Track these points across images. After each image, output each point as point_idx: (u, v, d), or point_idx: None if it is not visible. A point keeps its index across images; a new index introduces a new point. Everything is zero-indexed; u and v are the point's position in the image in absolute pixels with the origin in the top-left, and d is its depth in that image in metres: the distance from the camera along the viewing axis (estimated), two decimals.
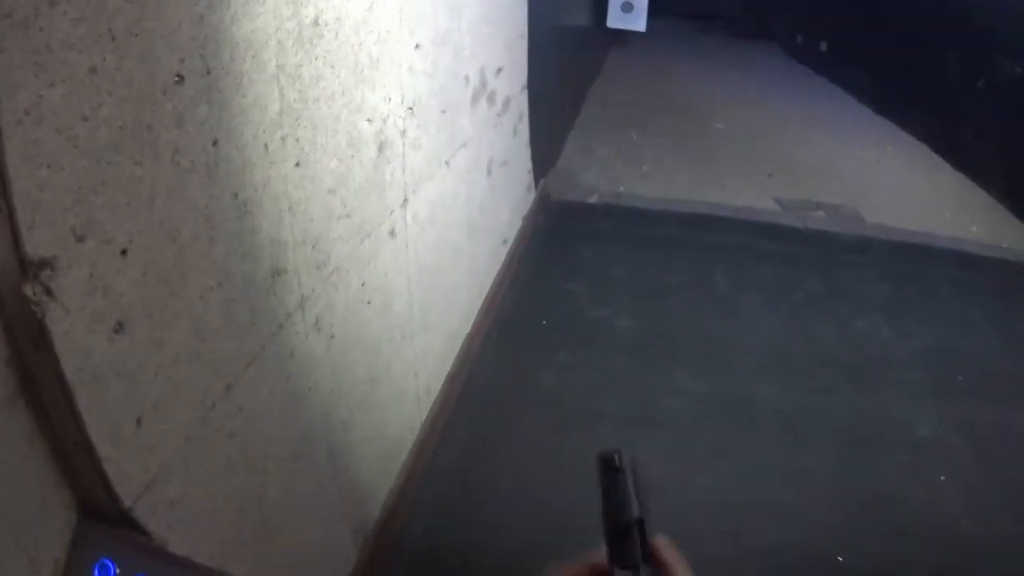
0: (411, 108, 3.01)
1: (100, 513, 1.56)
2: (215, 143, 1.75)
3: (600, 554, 1.04)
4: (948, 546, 3.59)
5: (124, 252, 1.49)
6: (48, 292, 1.33)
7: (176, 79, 1.58)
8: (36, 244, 1.29)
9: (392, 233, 2.95)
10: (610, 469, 1.08)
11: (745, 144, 8.58)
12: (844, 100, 11.53)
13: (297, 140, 2.13)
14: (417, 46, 3.04)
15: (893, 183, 7.98)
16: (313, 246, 2.30)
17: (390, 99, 2.77)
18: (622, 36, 11.61)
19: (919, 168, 8.58)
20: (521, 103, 5.31)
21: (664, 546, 1.03)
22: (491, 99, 4.44)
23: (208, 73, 1.69)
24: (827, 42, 13.10)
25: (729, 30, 16.07)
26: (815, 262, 6.10)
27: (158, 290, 1.61)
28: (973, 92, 8.33)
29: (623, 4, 10.71)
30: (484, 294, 4.76)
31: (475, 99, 4.08)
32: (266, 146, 1.97)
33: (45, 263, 1.31)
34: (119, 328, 1.50)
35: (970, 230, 6.97)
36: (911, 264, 6.30)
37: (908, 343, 5.21)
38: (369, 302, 2.79)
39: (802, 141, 9.10)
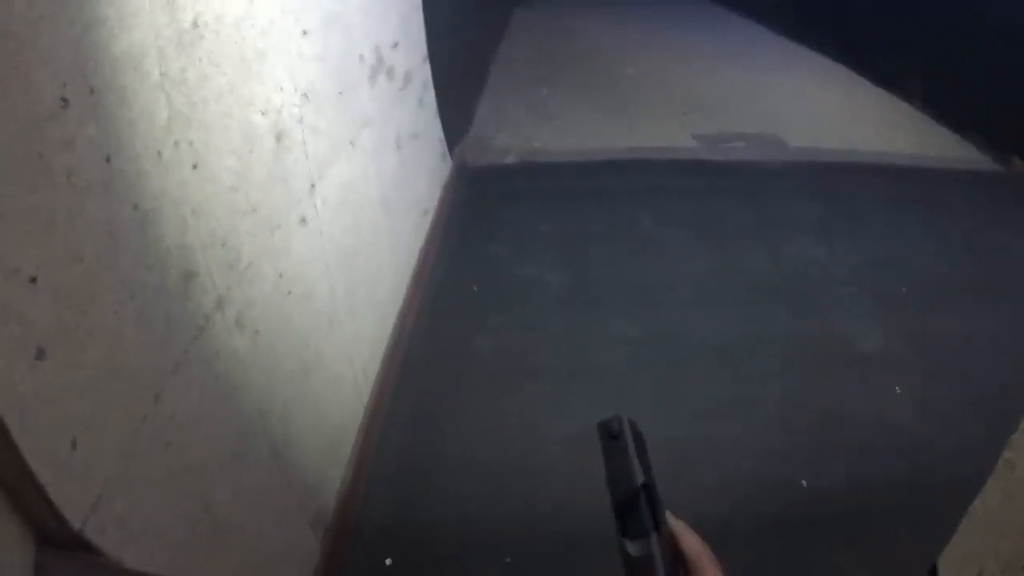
0: (305, 95, 3.01)
1: (54, 540, 1.58)
2: (108, 159, 1.74)
3: None
4: (907, 456, 3.67)
5: (33, 280, 1.49)
6: None
7: (61, 103, 1.58)
8: None
9: (303, 221, 2.95)
10: (609, 437, 1.08)
11: (657, 86, 8.64)
12: (755, 31, 11.60)
13: (191, 143, 2.12)
14: (304, 32, 3.03)
15: (813, 106, 8.06)
16: (222, 245, 2.30)
17: (282, 88, 2.77)
18: None
19: (839, 89, 8.68)
20: (424, 74, 5.31)
21: (682, 532, 1.01)
22: (390, 74, 4.43)
23: (92, 92, 1.69)
24: None
25: None
26: (740, 193, 6.18)
27: (71, 312, 1.61)
28: (890, 5, 8.38)
29: None
30: (411, 269, 4.78)
31: (373, 76, 4.07)
32: (159, 154, 1.97)
33: None
34: (40, 355, 1.50)
35: (895, 143, 7.05)
36: (839, 183, 6.38)
37: (843, 261, 5.32)
38: (289, 293, 2.80)
39: (715, 75, 9.17)
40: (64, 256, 1.59)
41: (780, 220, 5.89)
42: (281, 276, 2.73)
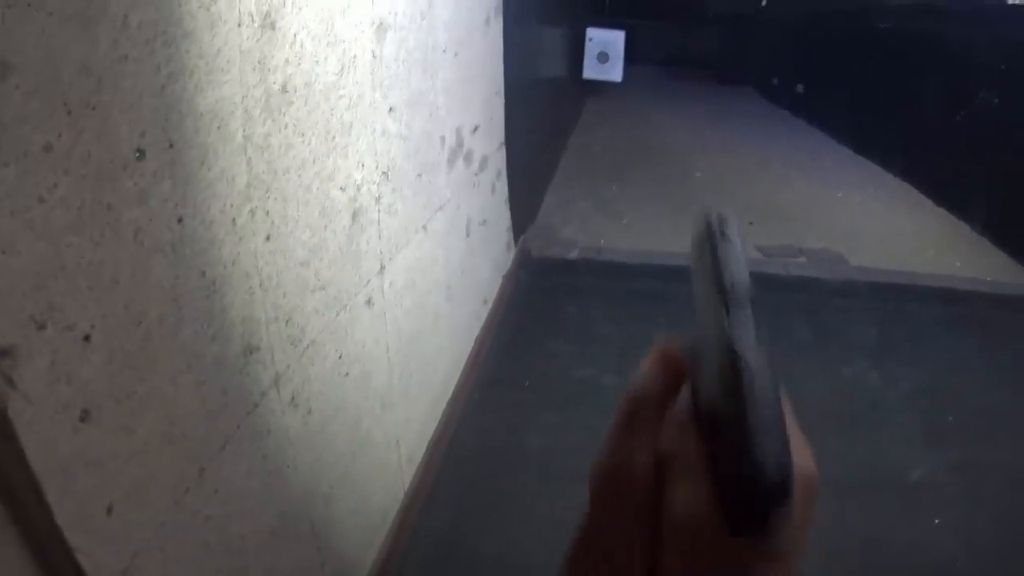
0: (386, 173, 2.96)
1: None
2: (180, 220, 1.69)
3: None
4: None
5: (87, 338, 1.42)
6: (9, 382, 1.26)
7: (137, 154, 1.52)
8: None
9: (369, 303, 2.90)
10: (717, 237, 0.75)
11: (725, 191, 8.58)
12: (823, 142, 11.57)
13: (267, 213, 2.07)
14: (391, 109, 2.99)
15: (876, 224, 7.98)
16: (287, 321, 2.24)
17: (363, 165, 2.73)
18: (598, 85, 11.66)
19: (901, 207, 8.59)
20: (499, 160, 5.28)
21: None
22: (468, 158, 4.40)
23: (171, 147, 1.63)
24: (803, 84, 13.18)
25: (705, 75, 16.18)
26: (800, 309, 6.07)
27: (125, 376, 1.54)
28: (952, 126, 8.37)
29: (599, 55, 10.77)
30: (466, 356, 4.69)
31: (452, 159, 4.04)
32: (234, 221, 1.91)
33: (5, 352, 1.25)
34: (85, 416, 1.44)
35: (954, 266, 6.97)
36: (897, 305, 6.30)
37: (897, 386, 5.19)
38: (347, 374, 2.73)
39: (782, 185, 9.11)
40: (123, 317, 1.53)
41: (836, 340, 5.80)
42: (341, 357, 2.67)
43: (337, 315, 2.60)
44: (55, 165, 1.32)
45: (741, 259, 0.72)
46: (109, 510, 1.53)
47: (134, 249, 1.54)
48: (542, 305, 5.84)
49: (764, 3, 10.44)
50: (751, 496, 0.63)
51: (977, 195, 7.84)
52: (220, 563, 1.97)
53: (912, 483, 4.30)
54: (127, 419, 1.57)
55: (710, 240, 0.76)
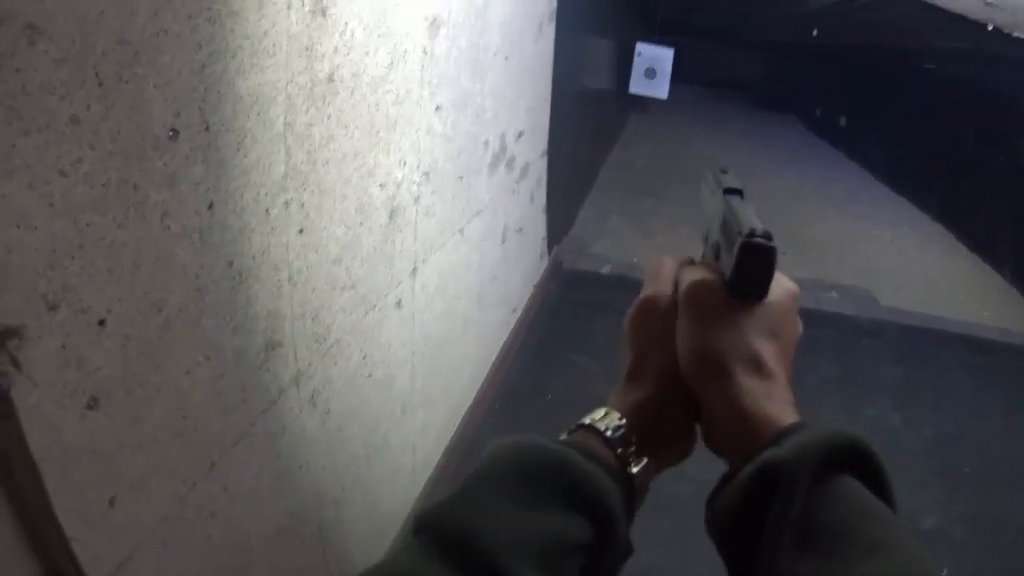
0: (427, 173, 2.89)
1: None
2: (211, 206, 1.61)
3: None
4: None
5: (102, 323, 1.35)
6: (15, 363, 1.19)
7: (170, 134, 1.44)
8: (3, 311, 1.16)
9: (399, 304, 2.83)
10: (730, 192, 1.11)
11: (759, 218, 8.52)
12: (861, 176, 11.51)
13: (302, 205, 2.00)
14: (437, 108, 2.92)
15: (907, 264, 7.92)
16: (313, 318, 2.18)
17: (405, 163, 2.66)
18: (642, 101, 11.61)
19: (934, 249, 8.52)
20: (540, 169, 5.21)
21: None
22: (510, 165, 4.33)
23: (207, 129, 1.56)
24: (846, 117, 13.15)
25: (749, 100, 16.16)
26: (827, 344, 6.00)
27: (139, 364, 1.47)
28: (991, 173, 8.30)
29: (647, 71, 10.71)
30: (490, 365, 4.63)
31: (494, 164, 3.97)
32: (267, 211, 1.84)
33: (12, 332, 1.18)
34: (93, 404, 1.37)
35: (983, 314, 6.90)
36: (924, 348, 6.24)
37: (917, 431, 5.13)
38: (370, 375, 2.67)
39: (817, 218, 9.04)
40: (142, 303, 1.46)
41: (862, 380, 5.74)
42: (365, 357, 2.60)
43: (365, 315, 2.54)
44: (81, 138, 1.24)
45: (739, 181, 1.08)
46: (112, 501, 1.47)
47: (159, 233, 1.47)
48: (570, 318, 5.77)
49: (816, 33, 10.39)
50: (744, 257, 0.94)
51: (1009, 244, 7.77)
52: (222, 560, 1.91)
53: (925, 530, 4.23)
54: (138, 409, 1.50)
55: (713, 176, 1.14)
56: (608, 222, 7.73)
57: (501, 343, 4.86)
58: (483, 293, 4.17)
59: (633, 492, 0.93)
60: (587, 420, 0.96)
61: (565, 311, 5.82)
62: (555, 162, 5.51)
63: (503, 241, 4.46)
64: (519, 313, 5.22)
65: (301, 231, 2.02)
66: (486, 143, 3.78)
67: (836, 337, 6.21)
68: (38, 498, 1.31)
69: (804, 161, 12.13)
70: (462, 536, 0.75)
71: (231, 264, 1.74)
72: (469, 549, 0.74)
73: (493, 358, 4.69)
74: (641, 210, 8.25)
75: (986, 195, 8.42)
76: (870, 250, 8.19)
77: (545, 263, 5.91)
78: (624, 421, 0.95)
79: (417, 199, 2.84)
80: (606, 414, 0.96)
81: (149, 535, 1.59)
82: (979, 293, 7.39)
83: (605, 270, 6.57)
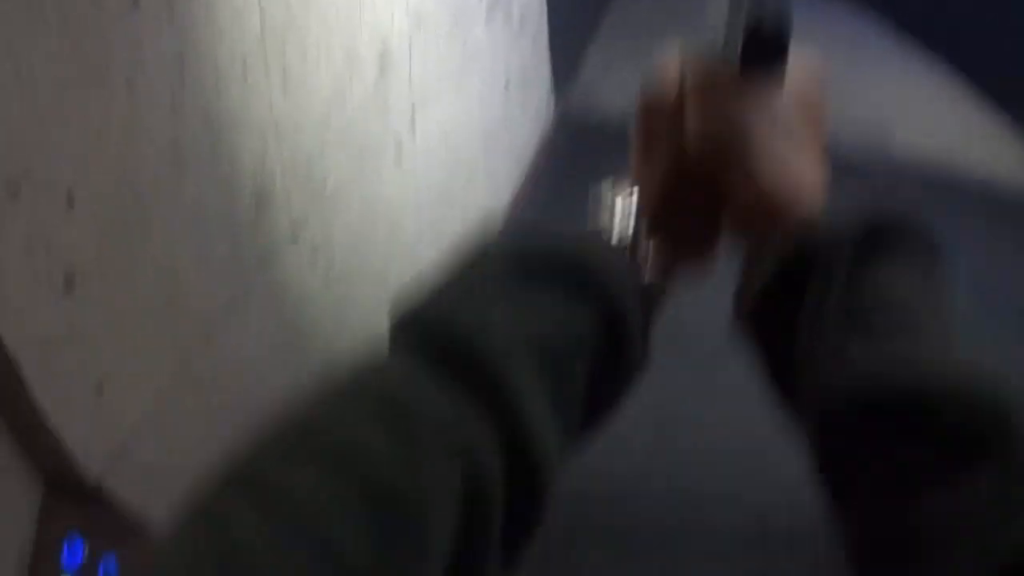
0: (418, 20, 2.77)
1: (68, 486, 1.40)
2: (182, 65, 1.52)
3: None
4: None
5: (70, 200, 1.27)
6: None
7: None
8: None
9: (398, 153, 2.74)
10: None
11: None
12: (868, 22, 11.33)
13: (283, 56, 1.89)
14: None
15: (921, 116, 7.80)
16: (305, 171, 2.08)
17: (394, 13, 2.55)
18: None
19: (947, 99, 8.40)
20: (541, 17, 5.06)
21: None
22: (508, 11, 4.20)
23: None
24: None
25: None
26: (838, 196, 5.95)
27: (115, 239, 1.39)
28: (1008, 19, 8.10)
29: None
30: (500, 214, 4.53)
31: (491, 9, 3.83)
32: (245, 63, 1.74)
33: None
34: (68, 286, 1.29)
35: (996, 161, 6.82)
36: (937, 196, 6.14)
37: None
38: (374, 225, 2.60)
39: (829, 69, 8.91)
40: (114, 172, 1.37)
41: None
42: (367, 208, 2.53)
43: (363, 164, 2.45)
44: (31, 10, 1.16)
45: None
46: (99, 387, 1.40)
47: (126, 99, 1.37)
48: (580, 166, 5.60)
49: None
50: (753, 28, 0.77)
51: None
52: (227, 434, 1.82)
53: None
54: (119, 286, 1.43)
55: None
56: (616, 67, 7.59)
57: (511, 192, 4.79)
58: (488, 142, 4.08)
59: (650, 288, 0.80)
60: (590, 203, 0.84)
61: (575, 159, 5.68)
62: (556, 8, 5.35)
63: (506, 89, 4.37)
64: (528, 161, 5.14)
65: (284, 83, 1.92)
66: None
67: (848, 188, 6.16)
68: (19, 391, 1.25)
69: (807, 9, 11.96)
70: (444, 334, 0.62)
71: (209, 124, 1.64)
72: (453, 348, 0.61)
73: (503, 207, 4.62)
74: (650, 56, 8.11)
75: (1003, 44, 8.24)
76: (882, 101, 8.06)
77: (552, 113, 5.80)
78: (634, 194, 0.82)
79: (409, 46, 2.73)
80: (611, 188, 0.84)
81: (143, 418, 1.53)
82: (993, 140, 7.30)
83: (615, 116, 6.45)
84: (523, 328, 0.64)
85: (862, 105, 7.67)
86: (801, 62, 0.83)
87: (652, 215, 0.82)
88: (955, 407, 0.60)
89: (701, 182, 0.82)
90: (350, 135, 2.32)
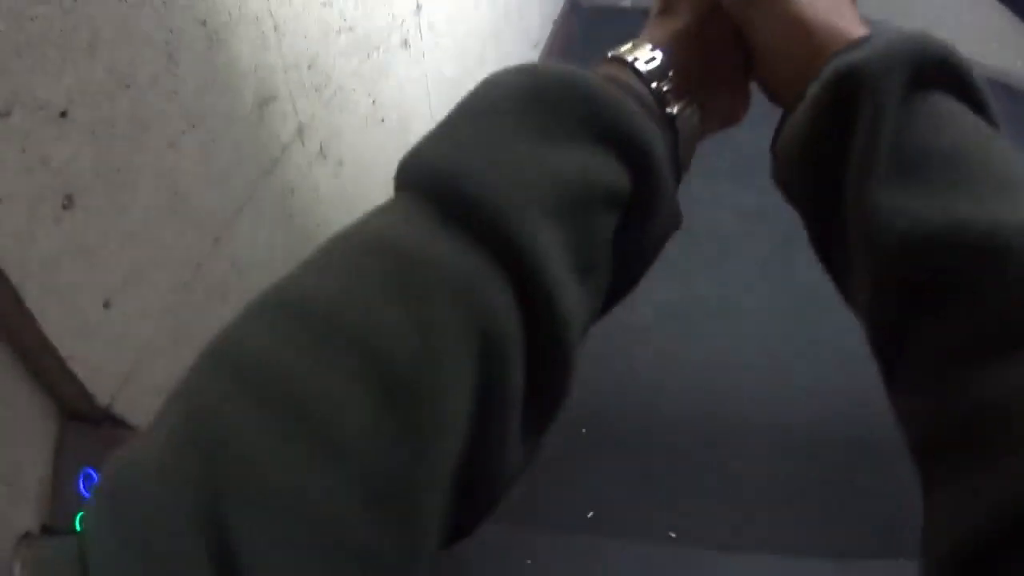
0: None
1: (82, 415, 1.38)
2: None
3: None
4: None
5: (63, 114, 1.22)
6: None
7: None
8: None
9: (405, 43, 2.66)
10: None
11: None
12: None
13: None
14: None
15: (934, 14, 7.69)
16: (309, 66, 2.02)
17: None
18: None
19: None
20: None
21: None
22: None
23: None
24: None
25: None
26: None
27: (113, 149, 1.34)
28: None
29: None
30: None
31: None
32: None
33: None
34: (68, 203, 1.25)
35: (1017, 64, 6.71)
36: None
37: None
38: (383, 120, 2.53)
39: None
40: (107, 84, 1.31)
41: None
42: (375, 102, 2.46)
43: (368, 58, 2.38)
44: None
45: None
46: (107, 304, 1.37)
47: (114, 4, 1.31)
48: (593, 53, 5.55)
49: None
50: None
51: None
52: None
53: None
54: (120, 197, 1.38)
55: None
56: None
57: None
58: (498, 31, 3.99)
59: (676, 138, 0.71)
60: (610, 53, 0.74)
61: (588, 45, 5.62)
62: None
63: None
64: (541, 48, 5.05)
65: None
66: None
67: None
68: (24, 320, 1.22)
69: None
70: (448, 179, 0.54)
71: (204, 23, 1.58)
72: (458, 195, 0.53)
73: None
74: None
75: None
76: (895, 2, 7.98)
77: None
78: (659, 53, 0.72)
79: None
80: (635, 45, 0.73)
81: (154, 334, 1.50)
82: (1014, 41, 7.20)
83: (626, 3, 6.34)
84: (540, 174, 0.56)
85: (881, 6, 7.60)
86: None
87: (678, 75, 0.73)
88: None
89: (728, 30, 0.77)
90: (353, 26, 2.25)
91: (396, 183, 0.58)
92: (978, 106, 0.65)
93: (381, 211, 0.56)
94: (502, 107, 0.59)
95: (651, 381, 3.09)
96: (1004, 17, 7.61)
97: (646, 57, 0.72)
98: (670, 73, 0.72)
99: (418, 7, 2.75)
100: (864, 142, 0.62)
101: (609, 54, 0.73)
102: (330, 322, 0.47)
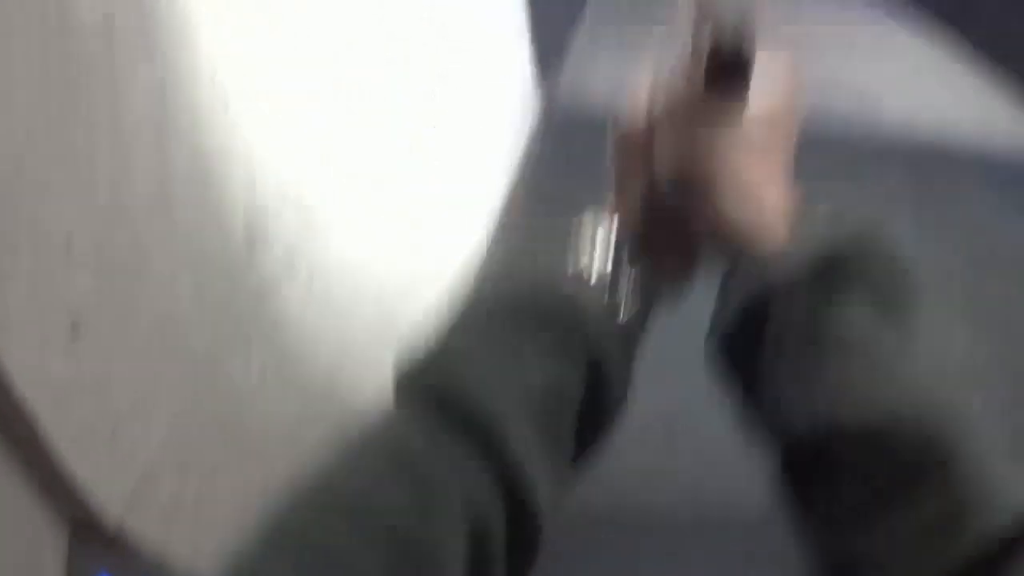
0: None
1: (92, 528, 1.41)
2: (164, 92, 1.53)
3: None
4: None
5: (68, 246, 1.28)
6: None
7: (103, 19, 1.35)
8: None
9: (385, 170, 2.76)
10: None
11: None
12: None
13: (266, 80, 1.92)
14: None
15: (912, 75, 7.82)
16: (296, 202, 2.09)
17: None
18: None
19: (939, 56, 8.43)
20: (523, 7, 5.20)
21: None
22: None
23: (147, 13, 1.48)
24: None
25: None
26: (833, 169, 5.97)
27: (115, 282, 1.41)
28: None
29: None
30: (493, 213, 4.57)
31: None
32: (227, 89, 1.76)
33: None
34: (75, 334, 1.30)
35: (993, 122, 6.82)
36: (932, 159, 6.17)
37: (936, 253, 5.05)
38: (368, 249, 2.62)
39: (809, 28, 8.96)
40: (106, 214, 1.38)
41: (872, 203, 5.48)
42: (360, 229, 2.55)
43: (357, 187, 2.48)
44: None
45: None
46: (113, 430, 1.42)
47: (111, 133, 1.39)
48: (567, 160, 5.63)
49: None
50: (716, 44, 0.80)
51: (1018, 49, 7.65)
52: (240, 466, 1.88)
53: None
54: (122, 328, 1.44)
55: None
56: (603, 54, 7.60)
57: (500, 193, 4.78)
58: (474, 143, 4.21)
59: (629, 326, 0.86)
60: (571, 226, 0.88)
61: (563, 151, 5.68)
62: None
63: (489, 84, 4.51)
64: (514, 161, 5.14)
65: (268, 109, 1.95)
66: None
67: (840, 160, 6.18)
68: (37, 444, 1.26)
69: None
70: (446, 394, 0.70)
71: (196, 153, 1.65)
72: (455, 407, 0.69)
73: (493, 211, 4.62)
74: (638, 38, 8.15)
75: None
76: (870, 62, 8.10)
77: (537, 102, 5.80)
78: (614, 225, 0.87)
79: None
80: (593, 220, 0.88)
81: (158, 457, 1.55)
82: (988, 100, 7.32)
83: (602, 106, 6.45)
84: (515, 383, 0.72)
85: (852, 74, 7.71)
86: (775, 68, 0.88)
87: (632, 244, 0.87)
88: (900, 440, 0.66)
89: (676, 210, 0.88)
90: (344, 158, 2.34)
91: (397, 386, 0.74)
92: (889, 288, 0.76)
93: (383, 416, 0.73)
94: (490, 324, 0.78)
95: (640, 483, 3.13)
96: (979, 76, 7.73)
97: (603, 236, 0.87)
98: (624, 241, 0.87)
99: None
100: (776, 340, 0.76)
101: (572, 229, 0.88)
102: (355, 514, 0.64)
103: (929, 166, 6.15)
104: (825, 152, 6.18)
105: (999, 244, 5.24)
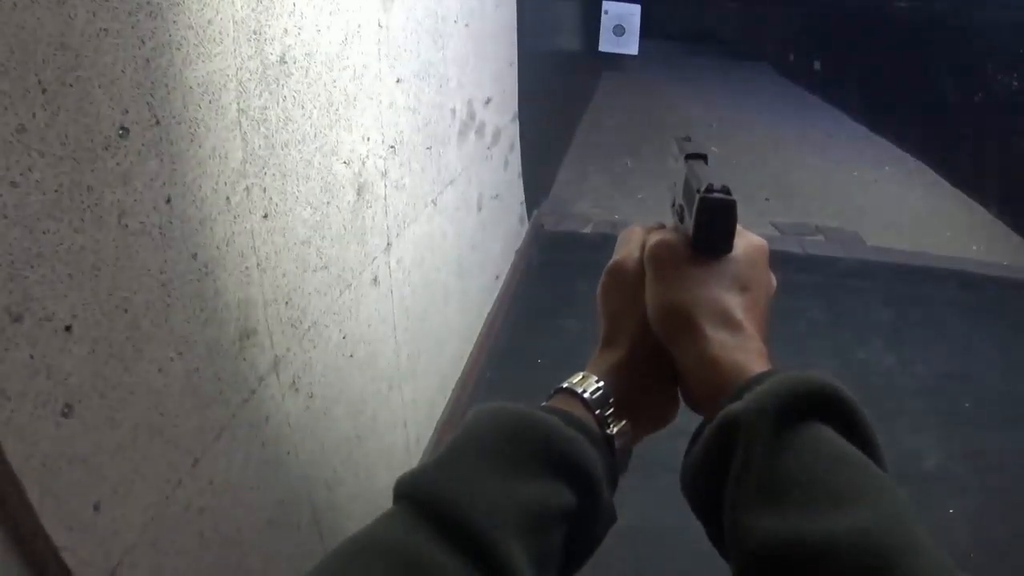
0: (393, 147, 2.87)
1: None
2: (168, 200, 1.59)
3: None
4: None
5: (68, 328, 1.34)
6: None
7: (120, 132, 1.42)
8: None
9: (375, 281, 2.81)
10: (693, 157, 1.08)
11: (740, 168, 8.50)
12: (839, 120, 11.53)
13: (264, 190, 1.98)
14: (398, 80, 2.90)
15: (892, 203, 7.93)
16: (286, 302, 2.16)
17: (369, 138, 2.63)
18: (614, 59, 11.58)
19: (917, 186, 8.55)
20: (512, 133, 5.19)
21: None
22: (480, 131, 4.31)
23: (157, 123, 1.54)
24: (820, 61, 13.19)
25: (721, 51, 16.15)
26: (816, 288, 6.01)
27: (110, 366, 1.46)
28: (970, 107, 8.33)
29: (615, 28, 10.66)
30: (477, 334, 4.62)
31: (463, 132, 3.95)
32: (228, 199, 1.82)
33: None
34: (68, 411, 1.36)
35: (970, 249, 6.91)
36: (913, 287, 6.27)
37: (912, 370, 5.17)
38: (352, 355, 2.65)
39: (798, 163, 9.06)
40: (107, 305, 1.44)
41: (853, 321, 5.83)
42: (345, 337, 2.59)
43: (341, 294, 2.52)
44: (29, 147, 1.22)
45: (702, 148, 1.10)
46: (96, 507, 1.46)
47: (118, 233, 1.45)
48: (555, 281, 5.75)
49: None
50: (703, 210, 0.94)
51: (993, 178, 7.80)
52: (216, 554, 1.90)
53: (926, 471, 4.27)
54: (113, 411, 1.49)
55: (677, 144, 1.14)
56: (587, 181, 7.72)
57: (486, 312, 4.85)
58: (462, 263, 4.15)
59: (615, 457, 0.93)
60: (565, 384, 0.96)
61: (549, 274, 5.80)
62: (527, 125, 5.49)
63: (479, 209, 4.44)
64: (502, 280, 5.20)
65: (266, 216, 2.00)
66: (453, 111, 3.76)
67: (824, 280, 6.23)
68: (24, 512, 1.30)
69: (781, 108, 12.18)
70: (445, 506, 0.74)
71: (195, 256, 1.72)
72: (453, 519, 0.73)
73: (480, 327, 4.69)
74: (619, 168, 8.24)
75: (967, 131, 8.44)
76: (853, 191, 8.21)
77: (526, 227, 5.89)
78: (602, 384, 0.95)
79: (385, 173, 2.82)
80: (584, 378, 0.96)
81: (138, 537, 1.58)
82: (966, 228, 7.42)
83: (587, 230, 6.57)
84: (510, 503, 0.76)
85: (836, 196, 7.82)
86: (745, 236, 1.01)
87: (617, 400, 0.96)
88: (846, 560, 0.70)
89: (660, 355, 0.98)
90: (328, 264, 2.40)
91: (397, 496, 0.78)
92: (854, 429, 0.82)
93: (388, 523, 0.76)
94: (484, 447, 0.81)
95: None
96: (957, 204, 7.80)
97: (592, 388, 0.95)
98: (611, 399, 0.95)
99: (388, 244, 2.89)
100: (736, 475, 0.80)
101: (564, 385, 0.96)
102: None
103: (907, 282, 6.24)
104: (819, 269, 6.27)
105: (968, 362, 5.30)
